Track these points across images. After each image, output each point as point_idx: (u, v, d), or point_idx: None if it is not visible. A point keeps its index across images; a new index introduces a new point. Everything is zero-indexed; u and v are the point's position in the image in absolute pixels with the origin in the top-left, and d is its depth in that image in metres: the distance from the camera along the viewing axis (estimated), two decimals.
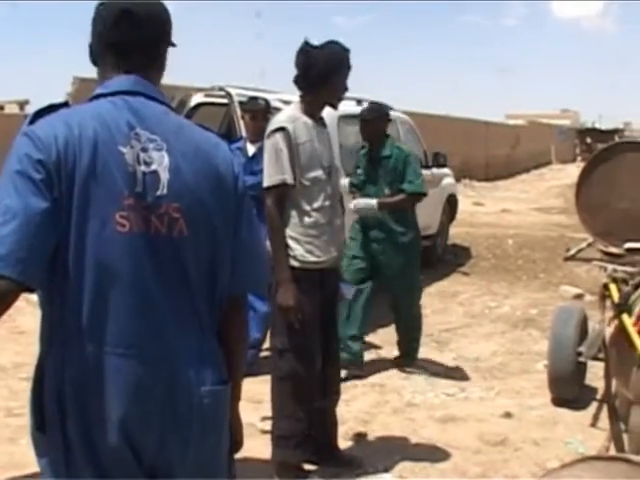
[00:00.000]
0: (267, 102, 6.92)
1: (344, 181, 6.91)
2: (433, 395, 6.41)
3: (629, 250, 5.01)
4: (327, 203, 4.52)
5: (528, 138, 38.37)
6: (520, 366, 7.33)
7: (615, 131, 47.76)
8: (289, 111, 4.65)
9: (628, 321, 4.05)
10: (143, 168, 2.05)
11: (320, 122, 4.63)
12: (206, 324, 2.20)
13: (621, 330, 4.12)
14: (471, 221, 16.45)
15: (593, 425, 5.72)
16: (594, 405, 5.97)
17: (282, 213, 4.46)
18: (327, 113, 4.81)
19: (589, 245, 5.64)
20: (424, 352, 7.62)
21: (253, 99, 7.00)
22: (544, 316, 8.66)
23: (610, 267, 4.84)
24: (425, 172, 11.09)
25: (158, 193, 2.07)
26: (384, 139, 6.90)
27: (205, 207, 2.16)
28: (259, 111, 6.62)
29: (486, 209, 19.84)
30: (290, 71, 4.57)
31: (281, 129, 4.43)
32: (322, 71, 4.42)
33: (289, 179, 4.41)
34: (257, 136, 6.36)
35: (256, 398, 5.62)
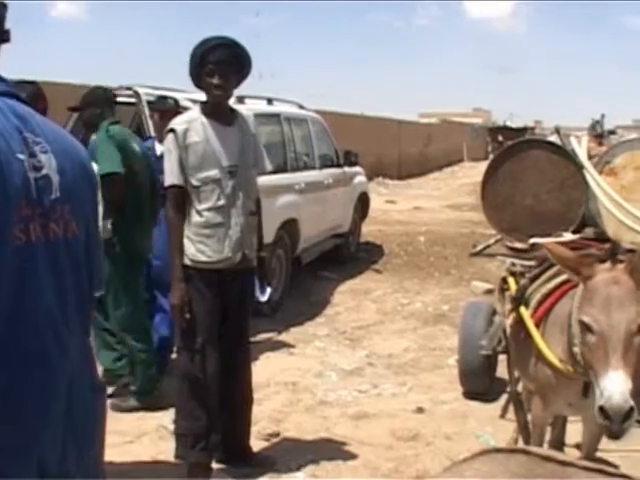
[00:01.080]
0: (176, 101, 6.87)
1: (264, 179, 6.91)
2: (346, 392, 6.42)
3: (534, 245, 5.09)
4: (221, 203, 4.48)
5: (440, 136, 38.88)
6: (432, 361, 7.41)
7: (525, 129, 48.49)
8: (189, 112, 4.73)
9: (525, 313, 4.12)
10: (34, 174, 1.94)
11: (225, 121, 4.58)
12: (87, 325, 2.17)
13: (519, 322, 4.19)
14: (384, 219, 16.57)
15: (503, 417, 5.81)
16: (505, 397, 6.06)
17: (180, 213, 4.51)
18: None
19: (497, 241, 5.70)
20: (337, 349, 7.67)
21: (161, 98, 6.95)
22: (455, 312, 8.73)
23: (508, 261, 4.92)
24: (337, 171, 11.25)
25: (52, 197, 1.99)
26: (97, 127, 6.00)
27: (85, 205, 2.12)
28: (167, 110, 6.55)
29: (399, 207, 19.99)
30: None
31: (171, 131, 4.49)
32: (189, 68, 4.48)
33: (176, 180, 4.46)
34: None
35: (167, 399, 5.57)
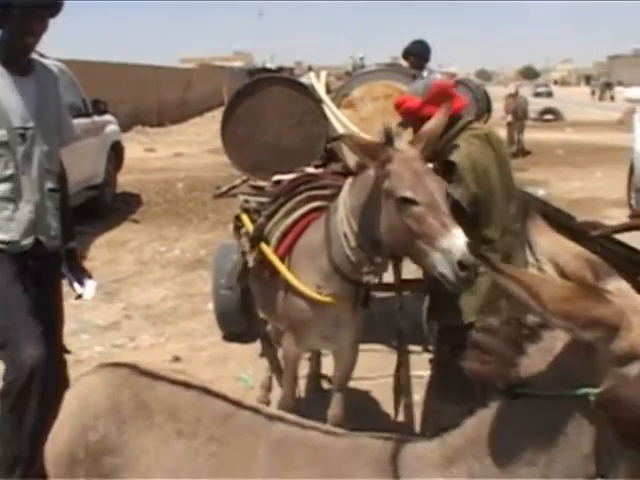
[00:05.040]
0: None
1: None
2: (101, 348, 6.24)
3: (277, 183, 5.06)
4: (10, 172, 3.59)
5: (200, 81, 38.57)
6: (191, 308, 7.36)
7: (282, 69, 48.89)
8: None
9: (268, 250, 4.07)
10: None
11: (21, 70, 3.66)
12: None
13: (262, 261, 4.14)
14: (143, 167, 16.24)
15: (263, 356, 5.82)
16: None
17: None
18: None
19: (244, 182, 5.64)
20: (92, 305, 7.40)
21: None
22: None
23: (241, 198, 4.86)
24: (86, 120, 10.82)
25: None
26: None
27: None
28: None
29: (158, 154, 19.67)
30: None
31: None
32: None
33: None
34: None
35: None
